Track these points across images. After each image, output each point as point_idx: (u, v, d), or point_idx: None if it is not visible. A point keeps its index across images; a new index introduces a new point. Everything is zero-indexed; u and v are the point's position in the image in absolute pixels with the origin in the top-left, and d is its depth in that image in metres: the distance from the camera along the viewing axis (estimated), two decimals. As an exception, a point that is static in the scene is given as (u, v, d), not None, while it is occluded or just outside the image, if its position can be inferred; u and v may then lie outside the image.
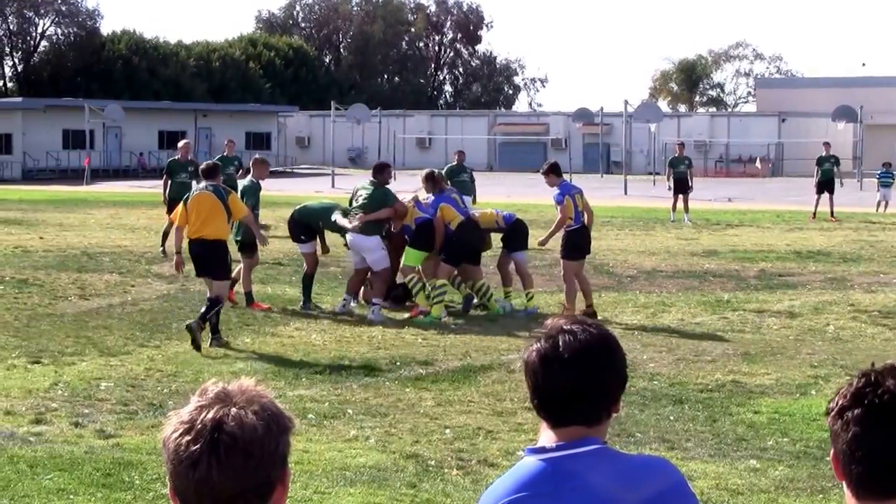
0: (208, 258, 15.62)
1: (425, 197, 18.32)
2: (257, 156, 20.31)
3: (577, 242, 17.74)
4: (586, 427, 3.14)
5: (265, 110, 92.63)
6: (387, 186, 18.11)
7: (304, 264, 18.70)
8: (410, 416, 11.64)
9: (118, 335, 15.90)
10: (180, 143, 28.04)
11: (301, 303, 18.46)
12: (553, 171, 18.16)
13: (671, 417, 11.67)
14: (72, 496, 8.99)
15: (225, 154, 29.94)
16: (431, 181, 18.38)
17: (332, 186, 56.55)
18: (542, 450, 3.15)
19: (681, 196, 36.31)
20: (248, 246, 18.48)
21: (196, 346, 14.72)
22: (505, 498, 3.12)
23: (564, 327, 3.18)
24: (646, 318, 18.04)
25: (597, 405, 3.15)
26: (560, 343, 3.14)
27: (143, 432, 10.83)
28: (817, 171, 38.68)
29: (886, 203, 42.81)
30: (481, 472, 9.72)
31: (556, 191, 17.88)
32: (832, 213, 37.26)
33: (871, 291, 20.72)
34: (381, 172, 18.31)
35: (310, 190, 50.88)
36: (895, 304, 19.15)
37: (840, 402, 2.66)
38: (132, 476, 9.45)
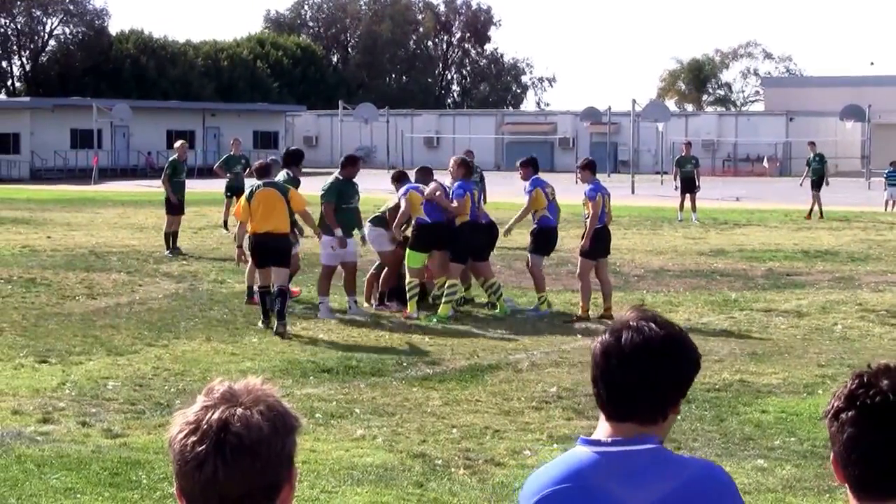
0: (277, 249, 16.40)
1: (450, 184, 18.33)
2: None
3: (597, 242, 17.79)
4: (640, 425, 3.12)
5: (273, 110, 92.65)
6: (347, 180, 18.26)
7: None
8: (418, 415, 11.66)
9: (126, 334, 15.93)
10: (178, 144, 27.77)
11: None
12: (589, 168, 18.41)
13: (678, 417, 11.65)
14: (79, 495, 9.01)
15: (232, 153, 30.15)
16: (465, 167, 18.52)
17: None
18: (598, 442, 3.13)
19: (688, 195, 36.33)
20: None
21: (283, 333, 15.94)
22: (551, 487, 3.12)
23: (631, 323, 3.14)
24: (653, 317, 18.01)
25: (652, 404, 3.12)
26: (623, 338, 3.12)
27: (151, 432, 10.86)
28: (807, 171, 38.99)
29: (894, 202, 42.85)
30: (488, 472, 9.75)
31: (587, 187, 17.99)
32: (821, 212, 37.37)
33: (879, 291, 20.74)
34: (343, 167, 18.48)
35: (317, 189, 50.82)
36: (903, 304, 19.17)
37: (835, 405, 2.66)
38: (139, 475, 9.46)
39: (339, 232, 17.63)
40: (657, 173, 65.61)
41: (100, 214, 38.16)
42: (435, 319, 17.35)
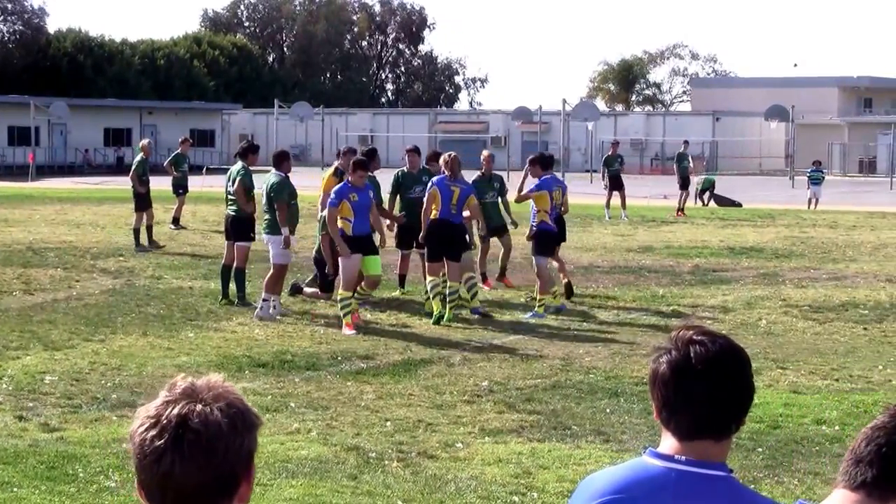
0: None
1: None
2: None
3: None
4: (714, 441, 3.07)
5: (209, 108, 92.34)
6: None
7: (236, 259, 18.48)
8: (352, 409, 11.78)
9: (62, 329, 15.93)
10: (144, 142, 29.30)
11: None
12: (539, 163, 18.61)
13: (607, 410, 11.87)
14: (16, 489, 9.04)
15: (179, 152, 31.84)
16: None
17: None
18: (670, 458, 3.07)
19: (616, 193, 36.79)
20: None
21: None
22: (612, 494, 3.06)
23: (694, 338, 3.10)
24: (582, 312, 18.29)
25: (726, 417, 3.09)
26: (692, 354, 3.07)
27: (87, 426, 10.91)
28: (677, 168, 40.89)
29: (817, 200, 43.94)
30: (421, 465, 9.88)
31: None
32: (680, 209, 38.89)
33: (802, 286, 21.05)
34: (280, 164, 18.18)
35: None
36: (825, 299, 19.51)
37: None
38: (76, 469, 9.52)
39: (286, 231, 17.46)
40: (587, 171, 66.03)
41: (37, 211, 37.87)
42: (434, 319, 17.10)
